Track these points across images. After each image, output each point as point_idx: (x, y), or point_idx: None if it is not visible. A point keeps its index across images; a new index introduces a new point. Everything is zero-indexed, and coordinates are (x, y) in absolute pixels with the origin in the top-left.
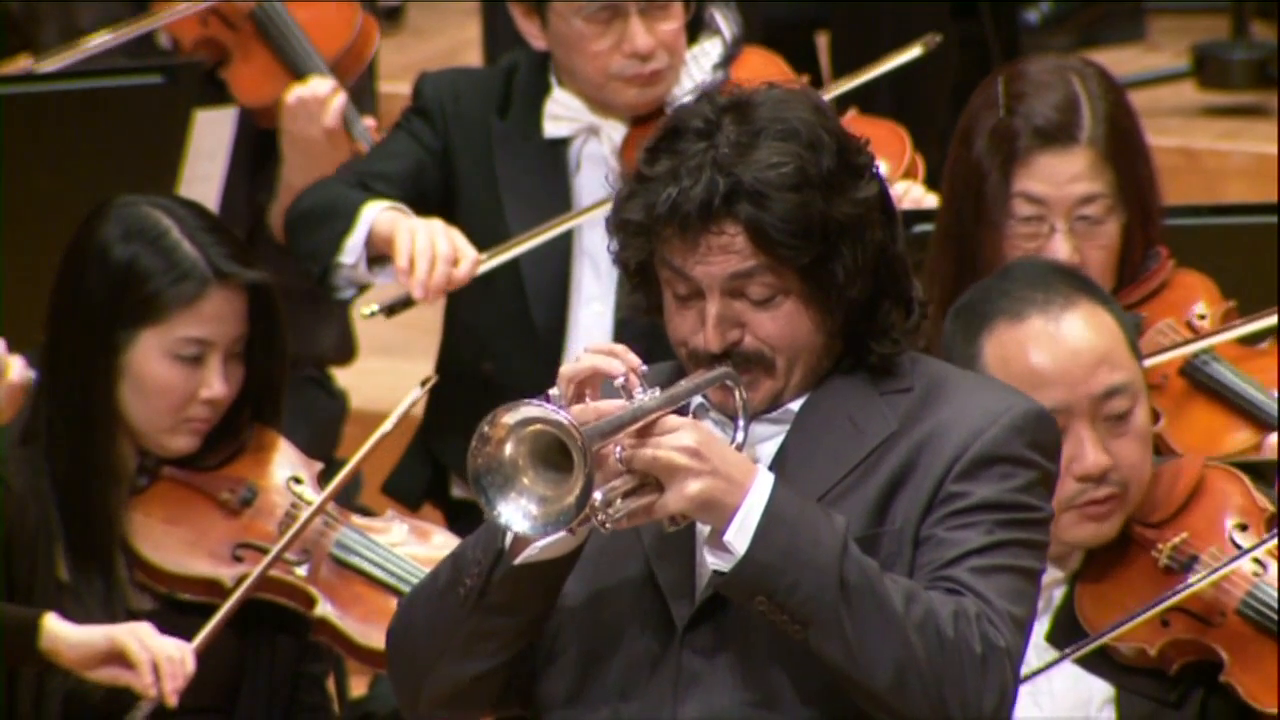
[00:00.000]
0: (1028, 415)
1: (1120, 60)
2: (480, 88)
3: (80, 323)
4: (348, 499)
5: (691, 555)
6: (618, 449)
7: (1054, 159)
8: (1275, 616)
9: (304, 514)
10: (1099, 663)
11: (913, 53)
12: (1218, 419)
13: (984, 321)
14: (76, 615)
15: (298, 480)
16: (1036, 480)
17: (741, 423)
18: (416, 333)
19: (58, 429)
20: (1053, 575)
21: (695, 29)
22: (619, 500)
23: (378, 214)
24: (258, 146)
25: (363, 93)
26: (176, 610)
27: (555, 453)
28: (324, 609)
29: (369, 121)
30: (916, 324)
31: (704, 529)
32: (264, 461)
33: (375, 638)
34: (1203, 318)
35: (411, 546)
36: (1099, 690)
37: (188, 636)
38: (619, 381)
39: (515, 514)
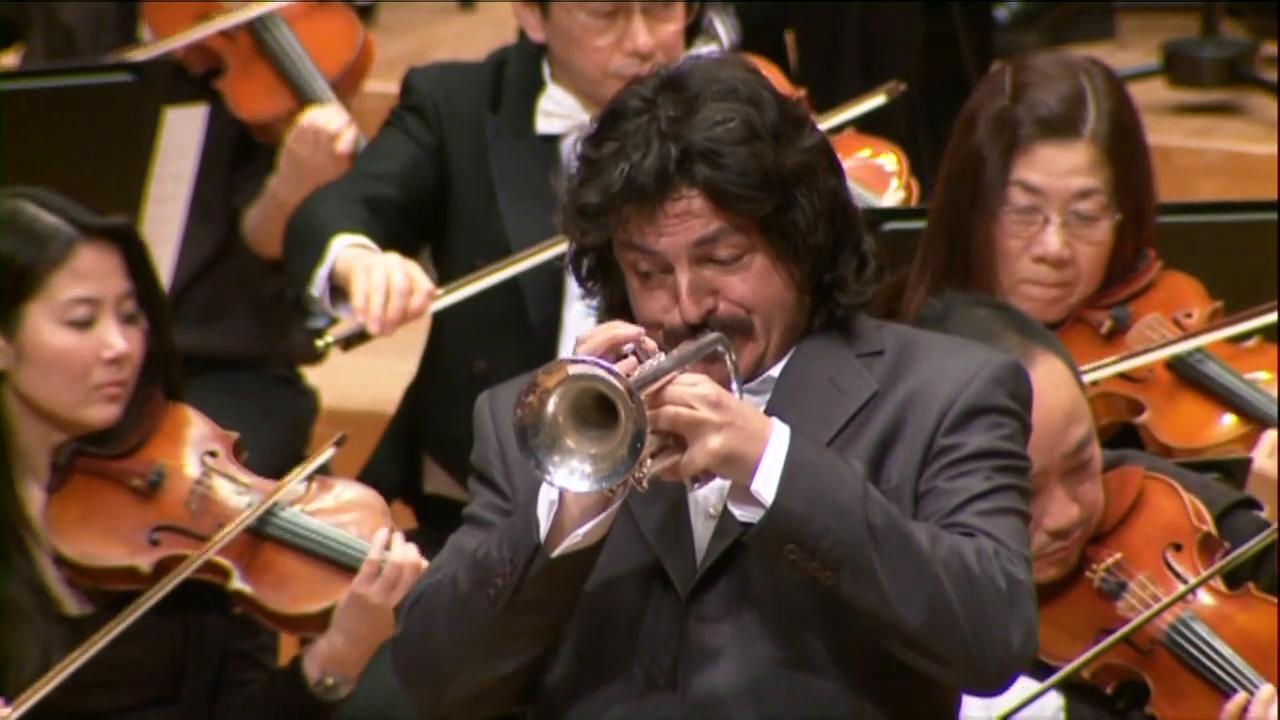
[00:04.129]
0: (1005, 367)
1: None
2: (470, 82)
3: None
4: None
5: (690, 532)
6: None
7: (1054, 150)
8: (1194, 652)
9: (218, 485)
10: (1048, 675)
11: (876, 100)
12: (1205, 410)
13: None
14: (15, 630)
15: (212, 454)
16: (1019, 430)
17: (735, 387)
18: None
19: None
20: None
21: (692, 33)
22: (649, 459)
23: (340, 251)
24: (238, 146)
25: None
26: (111, 608)
27: (592, 410)
28: (237, 583)
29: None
30: (875, 275)
31: (707, 499)
32: (176, 440)
33: (286, 603)
34: (1189, 316)
35: (317, 502)
36: (1050, 699)
37: (131, 637)
38: (629, 347)
39: (567, 475)
